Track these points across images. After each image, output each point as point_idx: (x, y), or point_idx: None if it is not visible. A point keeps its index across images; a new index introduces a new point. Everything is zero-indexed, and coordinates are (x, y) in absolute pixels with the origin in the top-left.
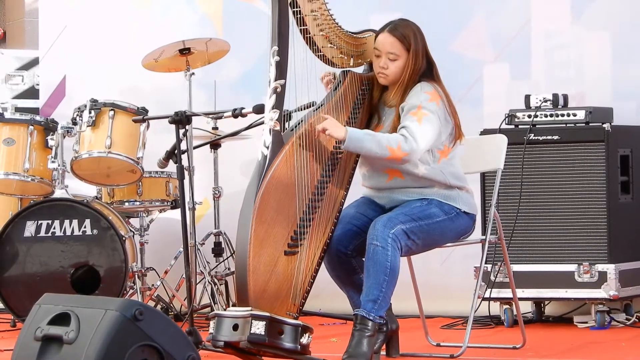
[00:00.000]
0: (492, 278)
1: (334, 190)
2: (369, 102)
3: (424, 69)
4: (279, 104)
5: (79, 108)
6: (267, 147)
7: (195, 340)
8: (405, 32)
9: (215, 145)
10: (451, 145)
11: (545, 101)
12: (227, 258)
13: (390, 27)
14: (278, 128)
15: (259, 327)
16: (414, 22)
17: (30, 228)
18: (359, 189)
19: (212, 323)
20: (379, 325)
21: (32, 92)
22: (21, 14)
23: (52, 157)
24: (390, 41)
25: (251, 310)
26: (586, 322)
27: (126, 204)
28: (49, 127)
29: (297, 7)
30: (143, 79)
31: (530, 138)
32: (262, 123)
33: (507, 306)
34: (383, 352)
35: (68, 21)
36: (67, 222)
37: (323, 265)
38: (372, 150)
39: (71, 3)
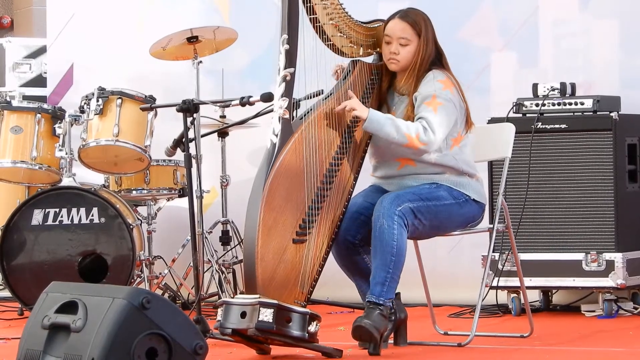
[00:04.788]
0: (500, 267)
1: (343, 178)
2: (378, 92)
3: (434, 58)
4: (288, 92)
5: (86, 96)
6: (277, 135)
7: (203, 328)
8: (416, 18)
9: (223, 133)
10: (464, 133)
11: (553, 90)
12: (234, 246)
13: (401, 13)
14: (287, 116)
15: (266, 315)
16: (423, 11)
17: (37, 216)
18: (368, 177)
19: (219, 311)
20: (388, 311)
21: (39, 81)
22: (29, 2)
23: (59, 145)
24: (402, 27)
25: (259, 298)
26: (594, 311)
27: (134, 192)
28: (57, 115)
29: None
30: (151, 67)
31: (538, 127)
32: (270, 111)
33: (515, 295)
34: (391, 341)
35: (76, 9)
36: (74, 210)
37: (331, 253)
38: (390, 134)
39: None
